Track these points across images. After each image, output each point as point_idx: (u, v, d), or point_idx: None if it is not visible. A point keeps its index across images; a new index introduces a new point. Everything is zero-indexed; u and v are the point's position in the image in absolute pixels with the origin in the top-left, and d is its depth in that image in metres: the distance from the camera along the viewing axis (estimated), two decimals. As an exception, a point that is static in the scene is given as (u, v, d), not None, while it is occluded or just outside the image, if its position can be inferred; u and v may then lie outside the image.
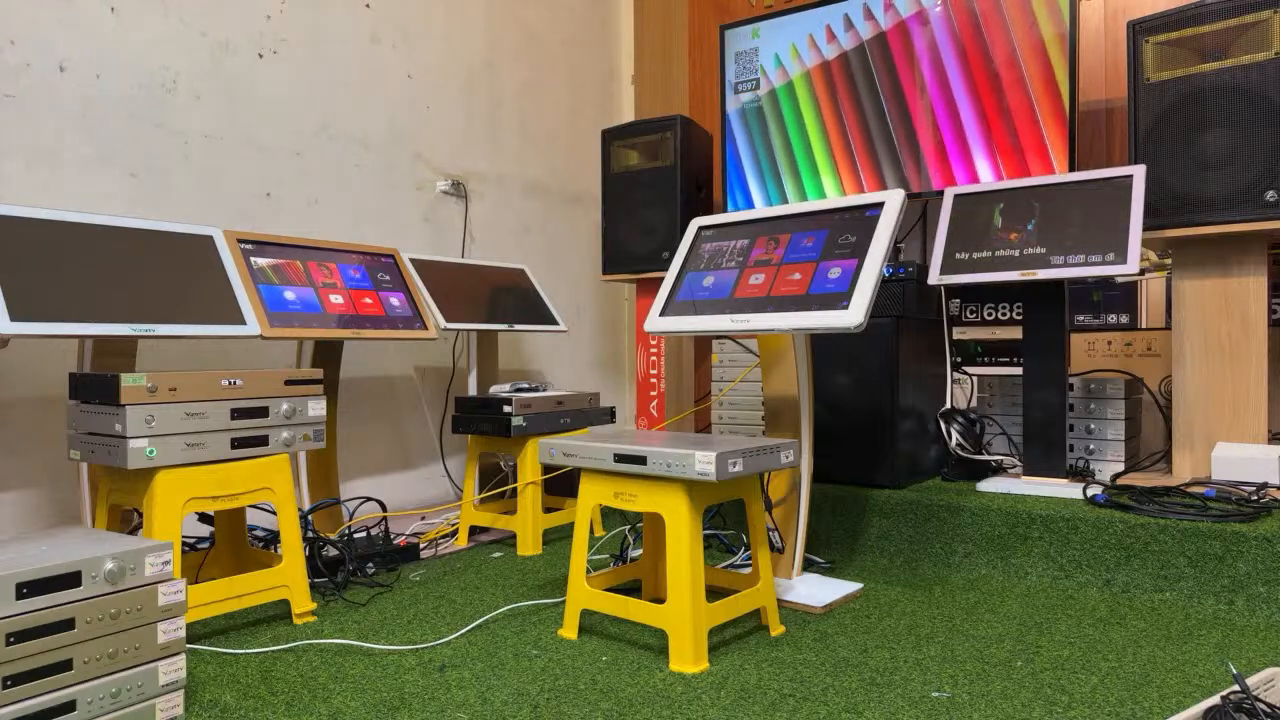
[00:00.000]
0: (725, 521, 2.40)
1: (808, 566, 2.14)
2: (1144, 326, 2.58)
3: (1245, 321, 2.15)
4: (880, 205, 1.77)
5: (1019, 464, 2.47)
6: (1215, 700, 1.16)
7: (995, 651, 1.53)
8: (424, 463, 2.96)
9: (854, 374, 2.26)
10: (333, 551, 2.01)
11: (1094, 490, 2.09)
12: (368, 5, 2.78)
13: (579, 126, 3.68)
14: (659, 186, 3.05)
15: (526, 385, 2.50)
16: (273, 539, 2.06)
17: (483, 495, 2.59)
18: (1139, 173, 2.02)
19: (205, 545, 2.05)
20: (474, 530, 2.53)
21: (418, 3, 2.95)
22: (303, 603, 1.74)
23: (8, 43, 1.98)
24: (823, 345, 2.32)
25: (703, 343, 3.33)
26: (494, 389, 2.50)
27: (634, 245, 3.10)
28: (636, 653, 1.55)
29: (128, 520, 1.81)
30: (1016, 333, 2.58)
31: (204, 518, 1.97)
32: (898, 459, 2.23)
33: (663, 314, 1.95)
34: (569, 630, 1.65)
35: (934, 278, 2.18)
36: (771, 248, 1.89)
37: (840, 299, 1.67)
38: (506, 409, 2.28)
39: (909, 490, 2.21)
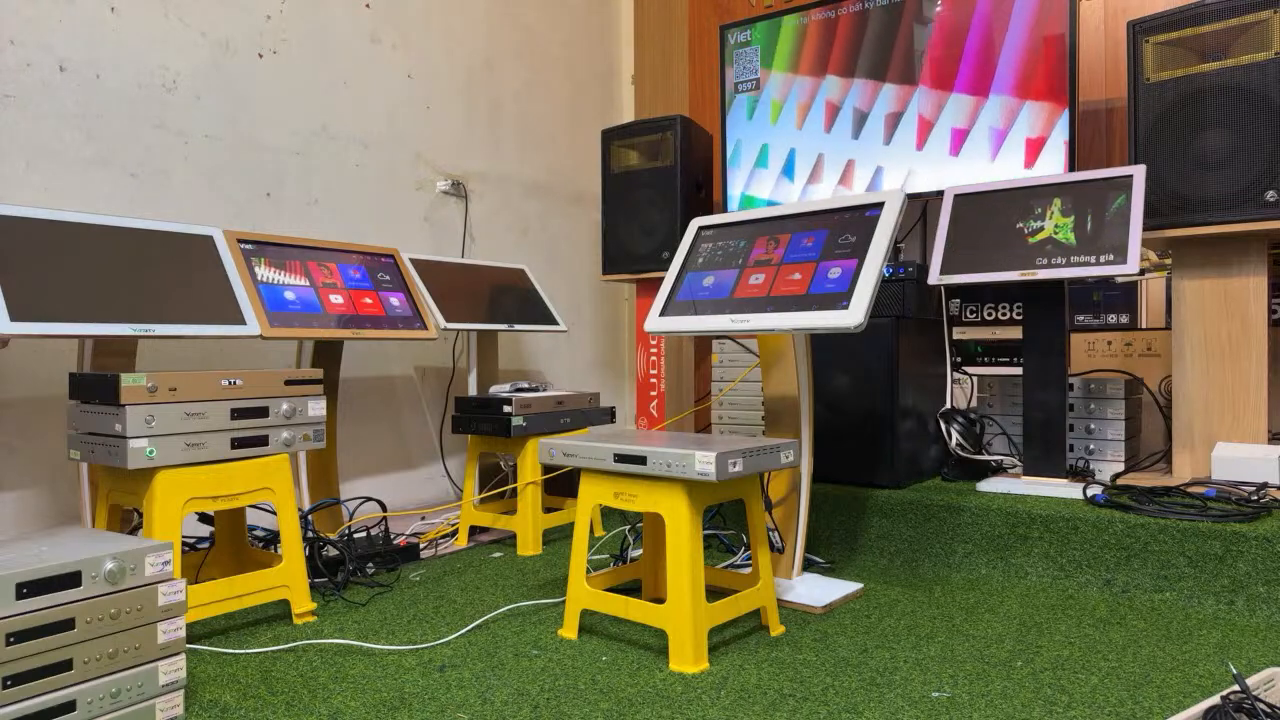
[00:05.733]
0: (725, 521, 2.40)
1: (808, 566, 2.14)
2: (1144, 326, 2.58)
3: (1245, 321, 2.15)
4: (880, 205, 1.77)
5: (1019, 464, 2.47)
6: (1215, 700, 1.16)
7: (995, 651, 1.53)
8: (424, 463, 2.96)
9: (854, 374, 2.26)
10: (333, 551, 2.01)
11: (1094, 490, 2.09)
12: (368, 5, 2.79)
13: (579, 126, 3.68)
14: (659, 186, 3.04)
15: (526, 385, 2.50)
16: (273, 539, 2.06)
17: (483, 495, 2.59)
18: (1139, 173, 2.02)
19: (205, 545, 2.05)
20: (474, 530, 2.53)
21: (418, 3, 2.95)
22: (303, 603, 1.74)
23: (8, 43, 1.98)
24: (823, 345, 2.32)
25: (703, 343, 3.32)
26: (494, 389, 2.50)
27: (634, 245, 3.10)
28: (636, 653, 1.55)
29: (128, 520, 1.81)
30: (1016, 333, 2.58)
31: (204, 518, 1.97)
32: (898, 459, 2.23)
33: (663, 314, 1.95)
34: (569, 630, 1.65)
35: (934, 278, 2.18)
36: (771, 248, 1.89)
37: (840, 299, 1.67)
38: (506, 409, 2.28)
39: (909, 490, 2.21)
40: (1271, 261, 2.25)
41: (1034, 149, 2.57)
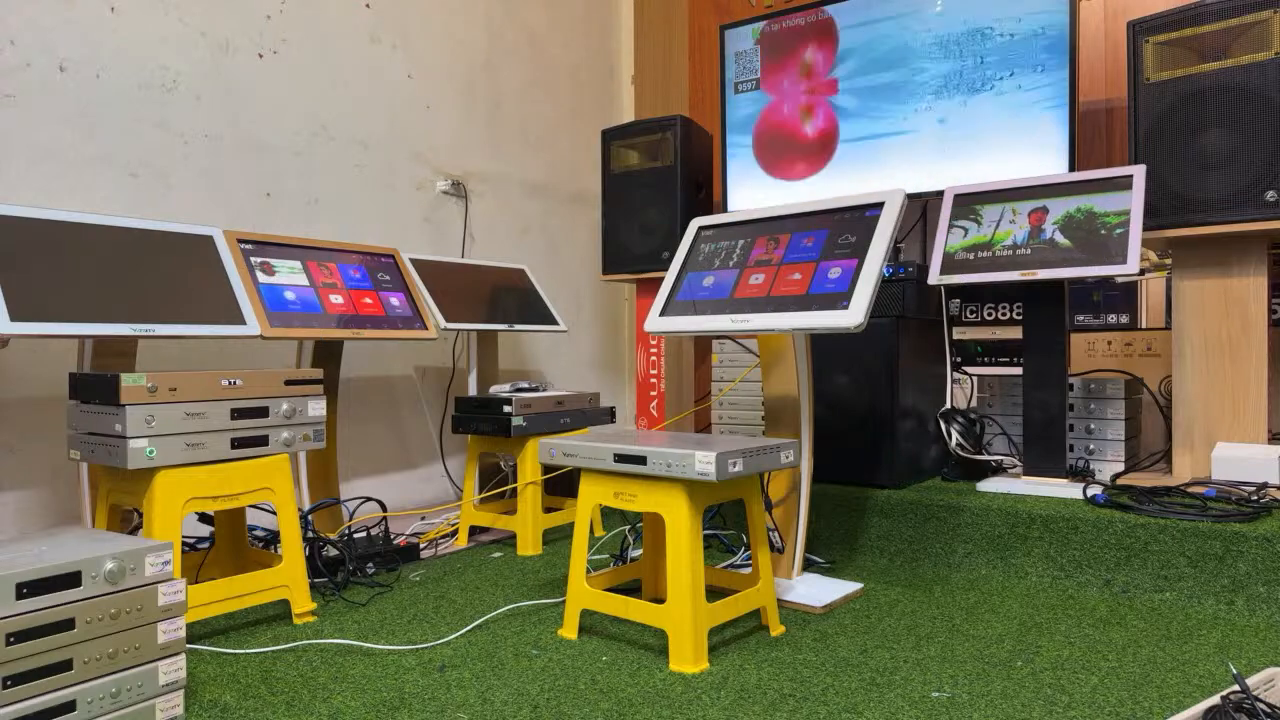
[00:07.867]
0: (725, 521, 2.40)
1: (808, 566, 2.14)
2: (1144, 326, 2.58)
3: (1245, 321, 2.15)
4: (880, 205, 1.77)
5: (1019, 464, 2.47)
6: (1215, 700, 1.16)
7: (995, 651, 1.53)
8: (424, 463, 2.96)
9: (854, 374, 2.26)
10: (333, 551, 2.01)
11: (1094, 490, 2.09)
12: (368, 5, 2.78)
13: (579, 126, 3.68)
14: (659, 186, 3.04)
15: (526, 385, 2.50)
16: (273, 539, 2.06)
17: (483, 495, 2.59)
18: (1139, 173, 2.02)
19: (205, 545, 2.05)
20: (474, 530, 2.53)
21: (418, 3, 2.95)
22: (303, 603, 1.74)
23: (8, 43, 1.98)
24: (823, 345, 2.32)
25: (703, 343, 3.32)
26: (494, 389, 2.50)
27: (634, 245, 3.10)
28: (636, 653, 1.55)
29: (128, 520, 1.81)
30: (1016, 333, 2.58)
31: (204, 518, 1.97)
32: (898, 459, 2.23)
33: (663, 314, 1.95)
34: (569, 630, 1.65)
35: (934, 278, 2.18)
36: (771, 248, 1.89)
37: (840, 299, 1.67)
38: (506, 409, 2.28)
39: (909, 490, 2.21)
40: (1271, 261, 2.25)
41: (1032, 149, 2.56)
